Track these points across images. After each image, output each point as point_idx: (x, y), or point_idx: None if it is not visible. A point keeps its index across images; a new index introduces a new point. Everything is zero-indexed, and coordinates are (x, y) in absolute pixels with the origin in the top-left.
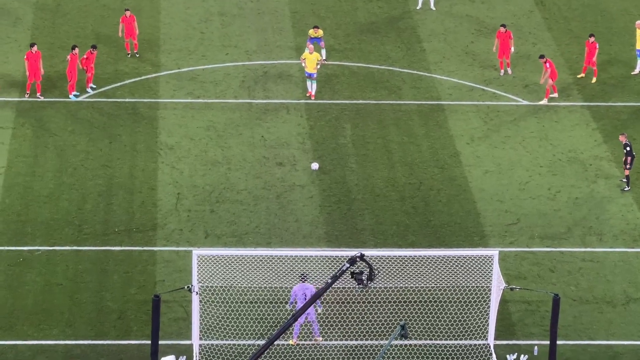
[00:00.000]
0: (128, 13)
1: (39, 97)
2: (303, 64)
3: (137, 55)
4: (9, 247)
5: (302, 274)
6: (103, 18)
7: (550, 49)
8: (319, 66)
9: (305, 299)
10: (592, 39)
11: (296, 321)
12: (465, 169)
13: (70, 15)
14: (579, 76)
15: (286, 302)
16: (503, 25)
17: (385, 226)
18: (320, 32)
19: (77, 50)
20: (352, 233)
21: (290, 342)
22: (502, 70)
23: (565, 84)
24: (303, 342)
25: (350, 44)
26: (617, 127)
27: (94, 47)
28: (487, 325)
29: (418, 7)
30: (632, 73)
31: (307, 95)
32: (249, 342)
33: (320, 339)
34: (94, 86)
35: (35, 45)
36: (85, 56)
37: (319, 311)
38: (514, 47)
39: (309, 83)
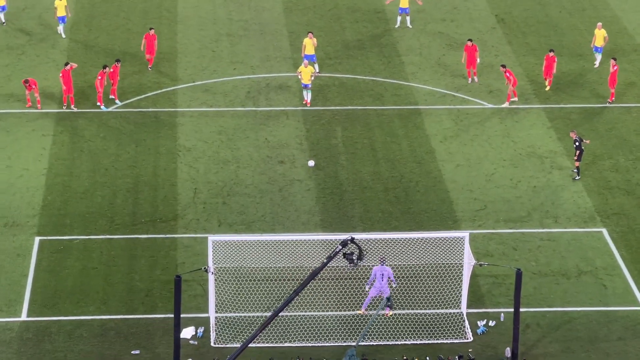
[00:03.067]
0: (152, 32)
1: (72, 109)
2: (299, 77)
3: (150, 70)
4: (52, 237)
5: (382, 257)
6: (128, 40)
7: (510, 60)
8: (313, 78)
9: (382, 278)
10: (551, 54)
11: (297, 295)
12: (440, 163)
13: (99, 38)
14: (546, 89)
15: (287, 280)
16: (470, 40)
17: (372, 213)
18: (314, 41)
19: (107, 69)
20: (343, 220)
21: (359, 312)
22: (470, 79)
23: (523, 89)
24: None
25: (339, 59)
26: (568, 125)
27: (118, 60)
28: (460, 296)
29: (397, 26)
30: (595, 66)
31: (304, 103)
32: (258, 314)
33: (390, 312)
34: (118, 102)
35: (70, 64)
36: (111, 69)
37: (394, 286)
38: (479, 58)
39: (305, 92)
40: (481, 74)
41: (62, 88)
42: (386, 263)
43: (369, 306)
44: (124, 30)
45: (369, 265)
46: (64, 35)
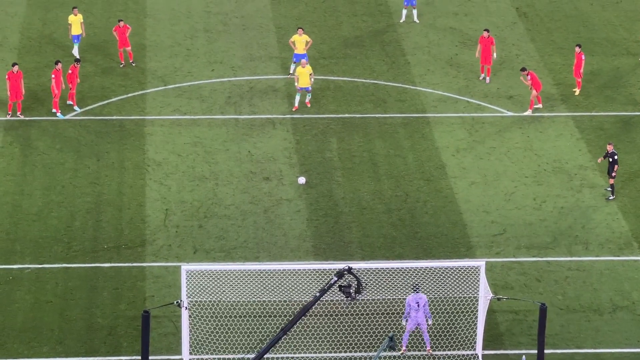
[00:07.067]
0: (122, 23)
1: (19, 116)
2: (296, 81)
3: (134, 65)
4: None
5: (415, 285)
6: (88, 37)
7: (534, 60)
8: (312, 79)
9: (418, 308)
10: (578, 49)
11: (284, 334)
12: (451, 180)
13: (55, 34)
14: (575, 94)
15: (273, 316)
16: (486, 30)
17: (372, 239)
18: (305, 38)
19: (60, 65)
20: (339, 246)
21: (401, 351)
22: (482, 74)
23: (548, 94)
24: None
25: (335, 59)
26: (600, 137)
27: (77, 60)
28: (475, 335)
29: (402, 20)
30: None
31: (293, 109)
32: (239, 356)
33: (430, 350)
34: (77, 109)
35: (17, 65)
36: (69, 71)
37: (430, 323)
38: (496, 53)
39: (297, 98)
40: (500, 76)
41: (7, 93)
42: (420, 290)
43: (409, 344)
44: (84, 24)
45: (364, 298)
46: (77, 57)
